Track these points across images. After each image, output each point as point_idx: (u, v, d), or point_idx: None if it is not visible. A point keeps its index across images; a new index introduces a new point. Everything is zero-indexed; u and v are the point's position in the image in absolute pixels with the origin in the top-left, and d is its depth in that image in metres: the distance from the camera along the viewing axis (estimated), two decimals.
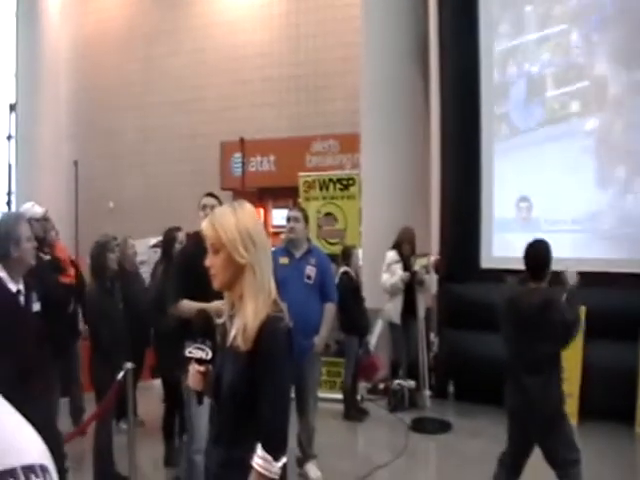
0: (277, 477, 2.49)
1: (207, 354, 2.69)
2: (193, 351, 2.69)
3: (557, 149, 8.44)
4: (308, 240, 6.47)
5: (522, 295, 4.89)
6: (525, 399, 4.78)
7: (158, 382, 7.42)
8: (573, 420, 7.38)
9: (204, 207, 5.07)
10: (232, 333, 2.60)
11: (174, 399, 6.22)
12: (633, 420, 7.54)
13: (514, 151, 8.83)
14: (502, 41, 8.96)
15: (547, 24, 8.64)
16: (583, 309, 7.42)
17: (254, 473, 2.48)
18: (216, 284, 2.65)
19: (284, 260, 6.10)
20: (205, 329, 2.89)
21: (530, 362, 4.77)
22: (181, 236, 6.75)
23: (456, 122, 9.29)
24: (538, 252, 4.89)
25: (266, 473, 2.47)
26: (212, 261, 2.62)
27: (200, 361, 2.68)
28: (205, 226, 2.64)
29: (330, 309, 6.30)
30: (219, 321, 2.74)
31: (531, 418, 4.81)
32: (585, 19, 8.35)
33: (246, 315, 2.54)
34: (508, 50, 8.92)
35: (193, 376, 2.70)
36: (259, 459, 2.48)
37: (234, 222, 2.60)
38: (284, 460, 2.51)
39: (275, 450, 2.49)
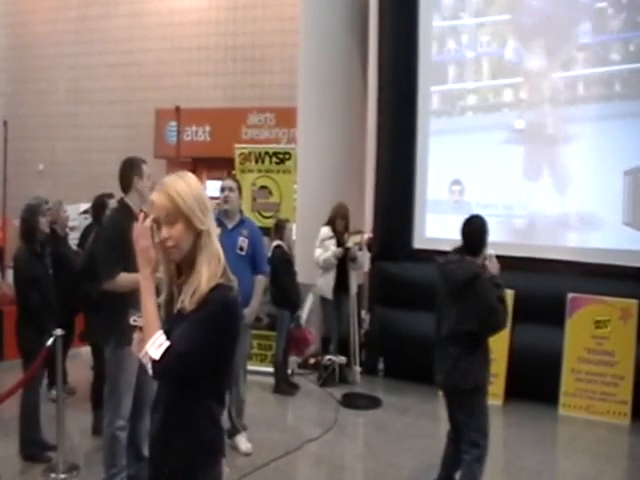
0: (136, 353, 2.55)
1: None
2: (138, 319, 2.65)
3: (489, 135, 8.60)
4: (241, 211, 6.43)
5: (453, 264, 5.00)
6: (447, 367, 4.90)
7: (87, 349, 7.31)
8: (499, 400, 7.61)
9: (149, 177, 4.99)
10: (180, 300, 2.57)
11: (104, 366, 6.14)
12: (557, 402, 7.76)
13: (449, 133, 8.91)
14: (442, 19, 9.00)
15: (488, 10, 8.72)
16: (511, 292, 7.61)
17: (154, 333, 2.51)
18: (175, 256, 2.59)
19: (216, 230, 6.04)
20: None
21: (456, 332, 4.87)
22: (112, 203, 6.62)
23: (393, 99, 9.30)
24: (474, 227, 5.00)
25: (142, 347, 2.51)
26: (168, 233, 2.56)
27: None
28: (158, 197, 2.57)
29: (261, 281, 6.30)
30: (164, 289, 2.69)
31: (450, 386, 4.95)
32: (524, 13, 8.47)
33: (200, 279, 2.52)
34: (448, 29, 8.97)
35: (138, 344, 2.66)
36: (156, 341, 2.50)
37: (187, 188, 2.57)
38: (149, 368, 2.49)
39: (162, 364, 2.47)
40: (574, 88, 8.20)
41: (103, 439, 5.08)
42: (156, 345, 2.46)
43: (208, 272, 2.53)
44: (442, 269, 5.06)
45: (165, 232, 2.57)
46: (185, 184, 2.59)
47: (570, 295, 7.82)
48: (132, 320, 2.70)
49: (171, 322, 2.60)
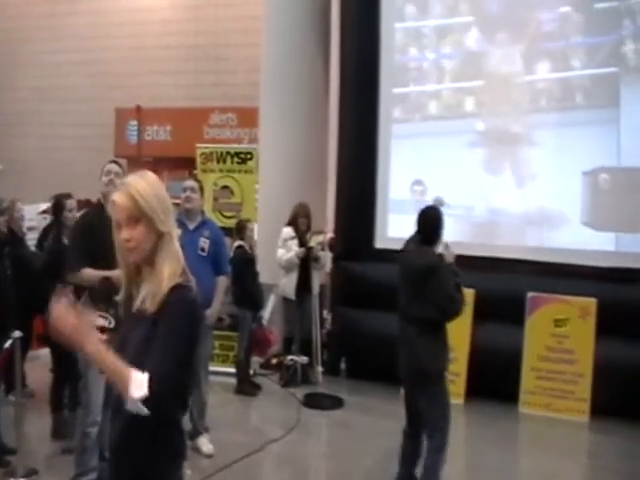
0: (132, 395, 2.39)
1: (110, 322, 2.63)
2: (95, 322, 2.62)
3: (451, 137, 8.64)
4: (202, 212, 6.41)
5: (411, 254, 5.09)
6: (410, 353, 4.97)
7: (46, 351, 7.21)
8: (460, 399, 7.65)
9: (108, 173, 4.97)
10: (139, 299, 2.54)
11: (64, 369, 6.08)
12: (517, 400, 7.84)
13: (411, 133, 8.94)
14: (404, 23, 9.03)
15: (450, 13, 8.78)
16: (472, 292, 7.68)
17: (127, 372, 2.39)
18: (136, 257, 2.55)
19: (177, 231, 6.01)
20: (108, 297, 2.81)
21: (412, 320, 4.97)
22: (70, 203, 6.55)
23: (355, 101, 9.31)
24: (429, 217, 5.11)
25: (130, 386, 2.38)
26: (130, 234, 2.53)
27: (103, 330, 2.61)
28: (120, 197, 2.54)
29: (223, 282, 6.30)
30: (121, 293, 2.67)
31: (413, 372, 5.00)
32: (486, 16, 8.56)
33: (160, 280, 2.49)
34: (410, 33, 9.00)
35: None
36: (138, 380, 2.38)
37: (149, 189, 2.54)
38: (144, 409, 2.38)
39: (151, 389, 2.37)
40: (536, 92, 8.29)
41: (75, 437, 5.05)
42: (137, 385, 2.38)
43: (168, 273, 2.51)
44: (401, 258, 5.15)
45: (126, 233, 2.53)
46: (147, 184, 2.56)
47: (530, 294, 7.90)
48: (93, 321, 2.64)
49: (130, 321, 2.58)
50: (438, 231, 5.07)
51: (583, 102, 8.06)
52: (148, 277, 2.55)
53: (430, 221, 5.10)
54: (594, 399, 7.52)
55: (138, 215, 2.51)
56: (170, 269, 2.52)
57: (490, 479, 6.01)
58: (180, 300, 2.50)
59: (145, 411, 2.39)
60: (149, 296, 2.50)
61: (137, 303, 2.55)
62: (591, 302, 7.64)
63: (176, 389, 2.50)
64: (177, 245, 2.60)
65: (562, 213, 8.04)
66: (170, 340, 2.46)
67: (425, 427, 5.05)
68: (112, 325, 2.64)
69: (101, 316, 2.62)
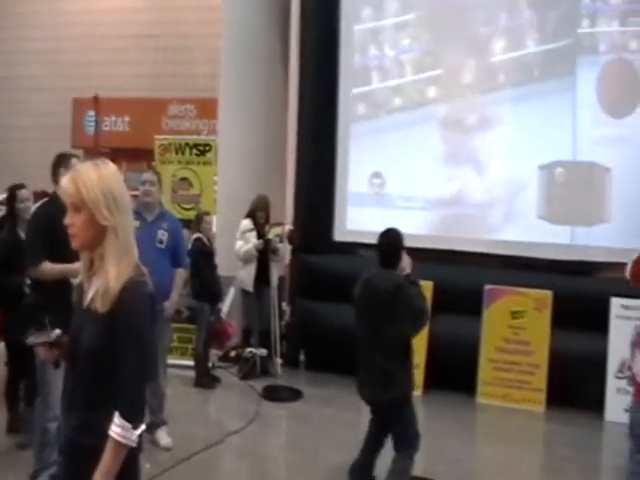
0: (135, 445, 2.45)
1: (48, 336, 2.59)
2: (35, 340, 2.60)
3: (409, 129, 8.68)
4: (160, 204, 6.37)
5: (376, 278, 5.01)
6: (379, 382, 4.90)
7: (1, 345, 7.11)
8: (418, 391, 7.69)
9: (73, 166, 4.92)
10: (90, 294, 2.51)
11: (19, 363, 6.00)
12: (475, 391, 7.93)
13: (370, 126, 8.95)
14: (363, 20, 9.02)
15: (407, 9, 8.80)
16: (430, 284, 7.74)
17: (111, 442, 2.41)
18: (75, 244, 2.54)
19: (135, 223, 5.95)
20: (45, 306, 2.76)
21: (382, 345, 4.89)
22: (24, 194, 6.43)
23: (315, 92, 9.31)
24: (390, 241, 5.04)
25: (124, 441, 2.41)
26: (72, 219, 2.51)
27: (46, 343, 2.59)
28: (66, 182, 2.52)
29: (181, 274, 6.27)
30: (75, 281, 2.64)
31: (383, 401, 4.96)
32: (440, 7, 8.61)
33: (108, 277, 2.46)
34: (369, 30, 9.00)
35: (44, 353, 2.61)
36: (117, 427, 2.41)
37: (97, 181, 2.50)
38: (143, 427, 2.46)
39: (134, 418, 2.43)
40: (492, 79, 8.33)
41: (34, 433, 5.00)
42: (127, 433, 2.42)
43: (116, 270, 2.47)
44: (366, 284, 5.05)
45: (69, 218, 2.52)
46: (97, 176, 2.51)
47: (487, 287, 7.99)
48: (29, 342, 2.62)
49: (82, 316, 2.55)
50: (399, 254, 5.00)
51: (539, 79, 8.10)
52: (97, 272, 2.52)
53: (391, 245, 5.03)
54: (550, 389, 7.63)
55: (79, 204, 2.49)
56: (119, 267, 2.48)
57: (448, 469, 6.05)
58: (134, 298, 2.48)
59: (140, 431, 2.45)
60: (98, 294, 2.47)
61: (87, 299, 2.53)
62: (547, 294, 7.75)
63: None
64: (129, 240, 2.55)
65: (519, 207, 8.14)
66: (134, 353, 2.47)
67: (398, 445, 5.02)
68: (52, 338, 2.59)
69: (38, 334, 2.58)
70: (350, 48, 9.02)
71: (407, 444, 4.98)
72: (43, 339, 2.59)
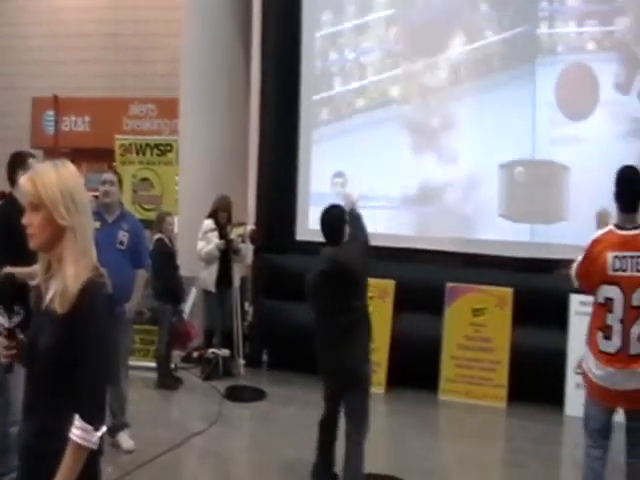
0: (96, 447, 2.43)
1: (6, 321, 2.56)
2: None
3: (371, 129, 8.69)
4: (121, 205, 6.33)
5: (333, 256, 5.08)
6: (346, 355, 4.97)
7: None
8: (381, 389, 7.75)
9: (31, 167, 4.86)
10: (49, 295, 2.48)
11: None
12: (437, 388, 7.98)
13: (332, 125, 8.98)
14: (324, 26, 9.03)
15: (368, 12, 8.83)
16: (392, 282, 7.79)
17: (72, 445, 2.39)
18: (33, 244, 2.51)
19: (95, 224, 5.91)
20: (5, 294, 2.72)
21: (346, 320, 4.96)
22: None
23: (276, 92, 9.30)
24: (332, 217, 5.12)
25: (85, 444, 2.39)
26: (30, 219, 2.49)
27: (9, 334, 2.56)
28: (24, 182, 2.50)
29: (142, 275, 6.23)
30: (33, 283, 2.61)
31: (350, 372, 5.02)
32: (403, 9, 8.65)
33: (66, 278, 2.43)
34: (329, 35, 9.01)
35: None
36: (78, 430, 2.38)
37: (56, 181, 2.48)
38: (104, 429, 2.45)
39: (95, 420, 2.41)
40: (453, 79, 8.40)
41: None
42: (88, 435, 2.40)
43: (74, 271, 2.45)
44: (328, 259, 5.11)
45: (27, 218, 2.50)
46: (56, 176, 2.49)
47: (449, 284, 8.05)
48: None
49: (40, 318, 2.53)
50: (342, 230, 5.10)
51: (499, 84, 8.17)
52: (55, 273, 2.50)
53: (334, 220, 5.12)
54: (511, 385, 7.71)
55: (38, 203, 2.47)
56: (77, 268, 2.46)
57: (411, 465, 6.09)
58: (93, 300, 2.46)
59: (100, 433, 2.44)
60: (57, 295, 2.44)
61: (46, 301, 2.50)
62: (508, 291, 7.83)
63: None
64: (87, 241, 2.54)
65: (480, 205, 8.21)
66: (94, 355, 2.45)
67: (349, 420, 5.08)
68: (9, 324, 2.56)
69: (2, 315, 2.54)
70: (312, 33, 9.03)
71: (363, 425, 5.05)
72: (2, 323, 2.55)
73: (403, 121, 8.60)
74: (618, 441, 4.55)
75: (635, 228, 4.31)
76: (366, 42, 8.84)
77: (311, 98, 9.02)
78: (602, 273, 4.29)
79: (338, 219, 5.13)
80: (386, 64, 8.72)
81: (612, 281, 4.26)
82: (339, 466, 5.25)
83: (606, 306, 4.30)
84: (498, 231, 8.10)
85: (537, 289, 7.61)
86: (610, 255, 4.26)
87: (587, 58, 7.86)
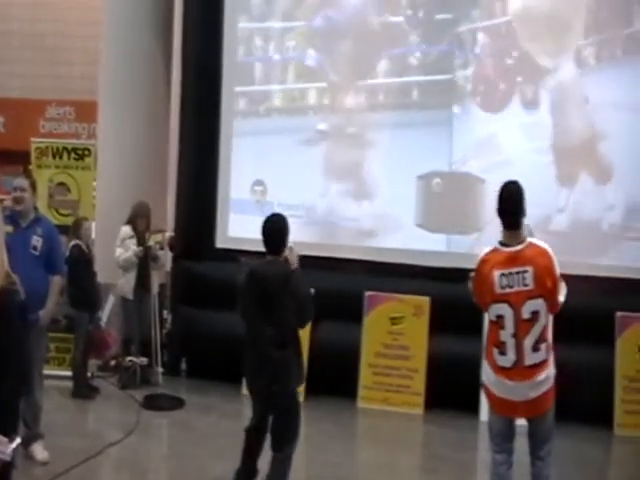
0: (9, 459, 2.38)
1: None
2: None
3: (292, 137, 8.74)
4: (36, 209, 6.19)
5: (264, 267, 5.03)
6: (273, 373, 4.90)
7: None
8: (300, 397, 7.75)
9: None
10: None
11: None
12: (355, 395, 8.06)
13: (253, 133, 8.98)
14: (249, 21, 9.03)
15: (295, 15, 8.88)
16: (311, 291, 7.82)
17: None
18: None
19: (8, 228, 5.79)
20: None
21: (274, 335, 4.90)
22: None
23: (197, 98, 9.25)
24: (274, 226, 5.05)
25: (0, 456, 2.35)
26: None
27: None
28: None
29: (57, 282, 6.09)
30: None
31: (277, 392, 4.96)
32: (329, 20, 8.73)
33: None
34: (255, 31, 9.02)
35: None
36: None
37: None
38: (18, 441, 2.41)
39: (9, 431, 2.37)
40: (374, 95, 8.55)
41: None
42: (3, 442, 2.35)
43: None
44: (254, 275, 5.05)
45: None
46: None
47: (367, 293, 8.13)
48: None
49: None
50: (284, 239, 5.04)
51: (419, 105, 8.38)
52: None
53: (275, 230, 5.04)
54: (428, 393, 7.84)
55: None
56: None
57: (329, 472, 6.16)
58: (7, 308, 2.42)
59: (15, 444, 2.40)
60: None
61: None
62: (425, 300, 7.96)
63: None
64: None
65: (398, 215, 8.33)
66: (11, 366, 2.41)
67: (276, 436, 5.04)
68: None
69: None
70: (233, 44, 9.01)
71: (291, 439, 5.02)
72: None
73: (322, 131, 8.66)
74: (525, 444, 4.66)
75: (519, 243, 4.40)
76: (291, 43, 8.87)
77: (233, 91, 9.00)
78: (491, 292, 4.38)
79: (278, 228, 5.05)
80: (310, 73, 8.79)
81: (501, 299, 4.35)
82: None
83: (498, 323, 4.39)
84: (416, 241, 8.25)
85: (453, 298, 7.69)
86: (497, 274, 4.35)
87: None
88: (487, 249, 4.52)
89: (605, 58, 7.85)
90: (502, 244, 4.44)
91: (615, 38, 7.81)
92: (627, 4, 7.84)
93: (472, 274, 4.59)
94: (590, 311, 7.00)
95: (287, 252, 5.04)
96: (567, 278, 4.49)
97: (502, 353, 4.40)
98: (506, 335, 4.36)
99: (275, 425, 5.06)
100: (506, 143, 8.00)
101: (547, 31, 7.96)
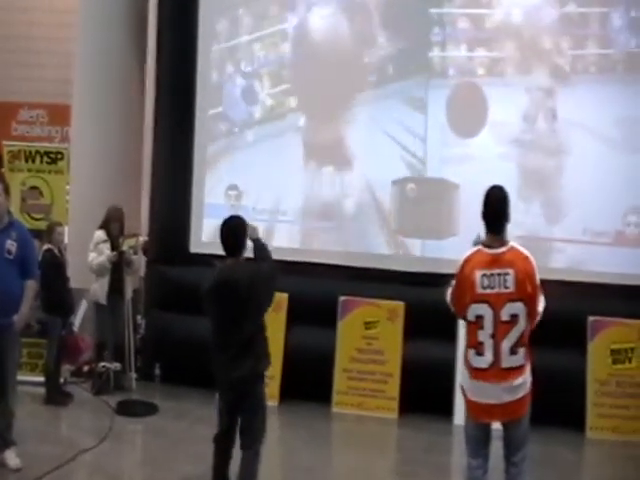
0: None
1: None
2: None
3: (266, 142, 8.75)
4: (9, 213, 6.14)
5: (228, 270, 5.02)
6: (237, 374, 4.91)
7: None
8: (274, 401, 7.76)
9: None
10: None
11: None
12: (330, 400, 8.07)
13: (228, 138, 8.96)
14: (219, 38, 9.00)
15: (262, 25, 8.87)
16: (285, 295, 7.86)
17: None
18: None
19: None
20: None
21: (241, 337, 4.91)
22: None
23: (171, 101, 9.21)
24: (231, 229, 5.06)
25: None
26: None
27: None
28: None
29: (31, 286, 6.02)
30: None
31: (239, 391, 4.98)
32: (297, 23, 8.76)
33: None
34: (225, 47, 8.99)
35: None
36: None
37: None
38: None
39: None
40: (348, 95, 8.51)
41: None
42: None
43: None
44: (218, 277, 5.05)
45: None
46: None
47: (341, 298, 8.15)
48: None
49: None
50: (243, 240, 5.07)
51: (395, 106, 8.36)
52: None
53: (233, 232, 5.06)
54: (402, 397, 7.88)
55: None
56: None
57: (303, 477, 6.17)
58: None
59: None
60: None
61: None
62: (399, 305, 7.99)
63: None
64: None
65: (373, 220, 8.36)
66: None
67: (246, 434, 5.04)
68: None
69: None
70: (207, 62, 9.00)
71: (260, 435, 5.04)
72: None
73: (296, 136, 8.67)
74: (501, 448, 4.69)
75: (502, 246, 4.46)
76: (261, 53, 8.87)
77: (207, 105, 8.98)
78: (472, 291, 4.42)
79: (236, 230, 5.06)
80: (283, 77, 8.79)
81: (481, 299, 4.39)
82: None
83: (477, 324, 4.43)
84: (390, 246, 8.29)
85: (427, 303, 7.73)
86: (479, 274, 4.40)
87: (477, 80, 8.16)
88: (471, 250, 4.57)
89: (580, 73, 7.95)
90: (486, 246, 4.49)
91: (589, 56, 7.94)
92: (602, 24, 7.94)
93: (453, 281, 4.62)
94: (562, 315, 7.05)
95: (249, 231, 5.13)
96: (541, 282, 4.53)
97: (479, 354, 4.43)
98: (484, 335, 4.40)
99: (245, 422, 5.05)
100: (481, 148, 8.09)
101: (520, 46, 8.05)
